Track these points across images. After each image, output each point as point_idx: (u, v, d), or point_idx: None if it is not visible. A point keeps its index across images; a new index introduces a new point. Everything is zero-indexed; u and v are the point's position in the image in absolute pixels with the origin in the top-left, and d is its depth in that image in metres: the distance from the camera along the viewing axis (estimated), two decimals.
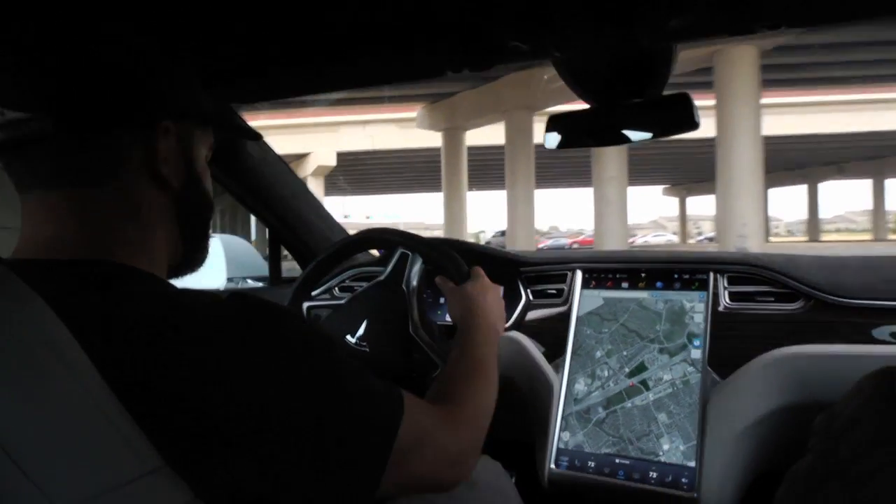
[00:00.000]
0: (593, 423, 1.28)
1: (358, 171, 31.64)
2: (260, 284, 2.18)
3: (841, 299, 1.20)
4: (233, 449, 0.52)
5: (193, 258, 0.74)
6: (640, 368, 1.28)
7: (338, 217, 1.73)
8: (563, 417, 1.31)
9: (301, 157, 25.10)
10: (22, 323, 0.44)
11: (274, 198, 1.57)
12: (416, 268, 1.23)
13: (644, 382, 1.27)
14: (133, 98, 0.63)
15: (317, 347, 0.60)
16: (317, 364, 0.59)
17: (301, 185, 1.61)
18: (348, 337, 1.17)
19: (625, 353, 1.32)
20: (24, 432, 0.40)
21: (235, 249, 2.85)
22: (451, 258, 1.15)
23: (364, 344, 1.16)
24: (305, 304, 1.32)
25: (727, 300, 1.29)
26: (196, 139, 0.71)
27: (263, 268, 1.85)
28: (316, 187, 24.61)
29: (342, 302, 1.29)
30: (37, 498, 0.38)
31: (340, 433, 0.57)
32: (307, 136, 23.85)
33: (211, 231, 0.76)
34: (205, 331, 0.55)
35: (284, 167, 1.54)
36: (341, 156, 25.79)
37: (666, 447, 1.19)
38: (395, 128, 23.29)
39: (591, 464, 1.24)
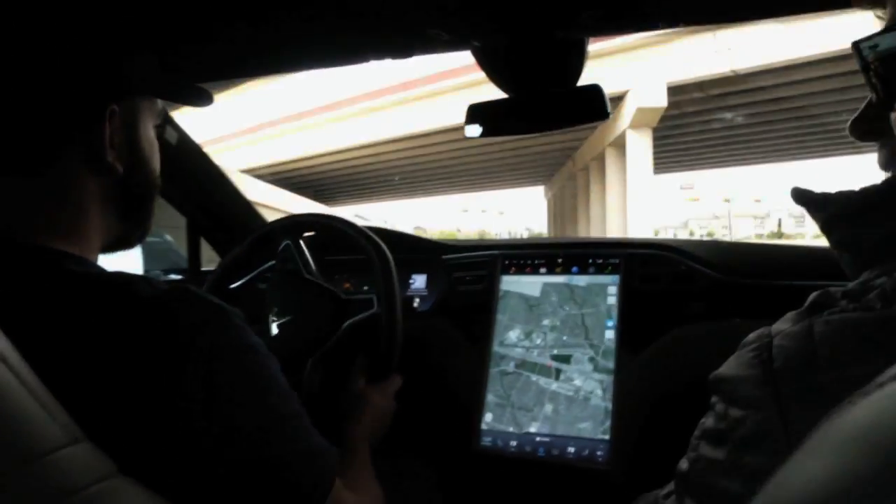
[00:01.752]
0: (516, 403, 1.33)
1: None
2: (178, 277, 2.12)
3: (737, 279, 1.30)
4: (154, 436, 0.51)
5: (131, 237, 0.71)
6: (559, 348, 1.34)
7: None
8: (486, 398, 1.35)
9: (615, 101, 15.32)
10: None
11: (192, 186, 1.53)
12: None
13: (562, 361, 1.33)
14: (75, 83, 0.60)
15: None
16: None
17: (219, 171, 1.57)
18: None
19: (544, 334, 1.37)
20: None
21: (151, 241, 2.74)
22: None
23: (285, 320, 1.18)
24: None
25: (637, 282, 1.37)
26: (141, 114, 0.68)
27: (183, 260, 1.80)
28: (640, 149, 15.98)
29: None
30: None
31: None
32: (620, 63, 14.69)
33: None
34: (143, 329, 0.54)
35: (203, 154, 1.50)
36: (675, 89, 15.01)
37: (582, 423, 1.26)
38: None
39: (514, 442, 1.29)
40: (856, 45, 0.47)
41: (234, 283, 1.33)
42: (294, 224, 1.37)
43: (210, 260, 1.80)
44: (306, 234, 1.60)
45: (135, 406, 0.52)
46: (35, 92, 0.58)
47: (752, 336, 0.46)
